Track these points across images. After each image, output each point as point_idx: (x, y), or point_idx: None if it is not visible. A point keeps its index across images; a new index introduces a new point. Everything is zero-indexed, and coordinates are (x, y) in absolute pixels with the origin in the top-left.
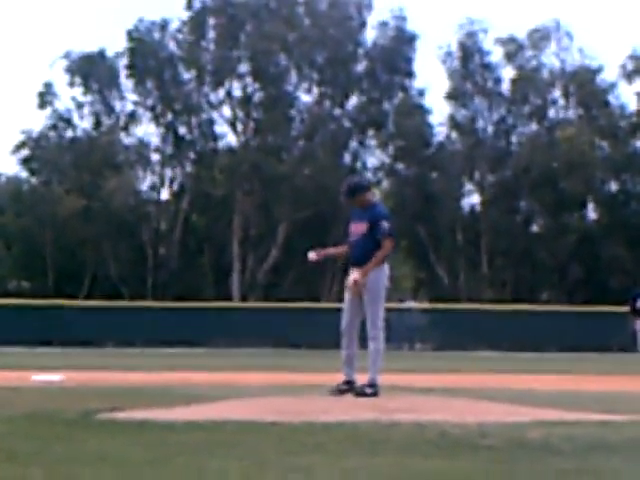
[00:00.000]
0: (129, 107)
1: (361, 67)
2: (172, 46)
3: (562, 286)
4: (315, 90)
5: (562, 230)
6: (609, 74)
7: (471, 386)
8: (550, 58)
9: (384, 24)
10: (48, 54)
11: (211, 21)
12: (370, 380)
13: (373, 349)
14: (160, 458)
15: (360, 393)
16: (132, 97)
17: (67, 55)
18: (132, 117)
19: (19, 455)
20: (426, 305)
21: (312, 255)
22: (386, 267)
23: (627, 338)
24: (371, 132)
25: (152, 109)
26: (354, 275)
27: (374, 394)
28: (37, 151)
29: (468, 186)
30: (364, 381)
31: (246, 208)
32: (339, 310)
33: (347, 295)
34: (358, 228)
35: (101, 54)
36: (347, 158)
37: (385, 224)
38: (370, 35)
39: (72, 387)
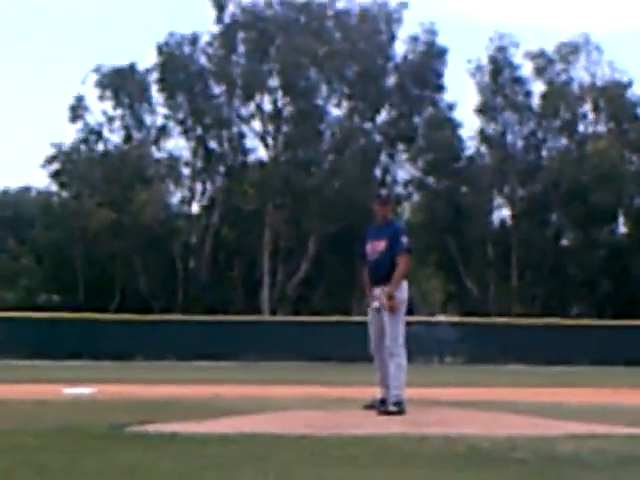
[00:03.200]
0: (159, 121)
1: (391, 81)
2: (202, 60)
3: (592, 300)
4: (345, 104)
5: (592, 244)
6: (639, 88)
7: (501, 400)
8: (580, 72)
9: (414, 38)
10: (79, 68)
11: (241, 35)
12: (394, 397)
13: (395, 366)
14: (190, 471)
15: (384, 412)
16: (162, 111)
17: (98, 69)
18: (162, 131)
19: (50, 468)
20: (456, 318)
21: (376, 304)
22: (404, 283)
23: None
24: (401, 146)
25: (182, 123)
26: (386, 291)
27: (400, 412)
28: (68, 165)
29: (498, 200)
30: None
31: (276, 222)
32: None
33: (370, 316)
34: (377, 246)
35: (132, 68)
36: (377, 172)
37: (404, 240)
38: (400, 49)
39: (103, 400)
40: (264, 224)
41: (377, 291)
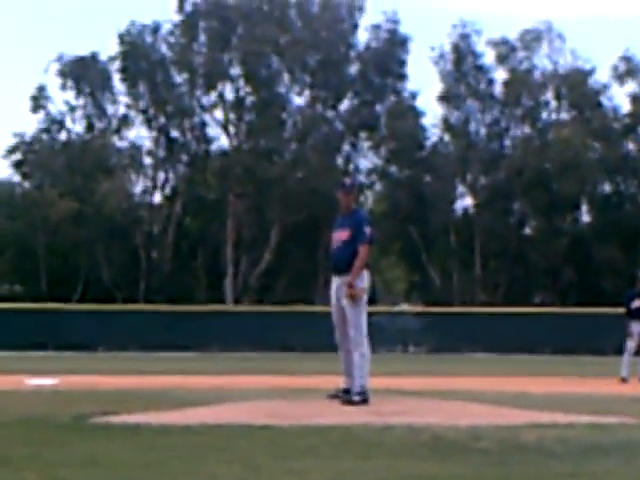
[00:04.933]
0: (121, 110)
1: (353, 69)
2: (164, 49)
3: (555, 288)
4: (307, 93)
5: (555, 232)
6: (601, 75)
7: (464, 389)
8: (542, 60)
9: (377, 27)
10: (41, 57)
11: (203, 24)
12: (358, 387)
13: (358, 355)
14: (153, 462)
15: (348, 401)
16: (124, 100)
17: (59, 58)
18: (124, 120)
19: (13, 459)
20: (419, 308)
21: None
22: (365, 272)
23: (620, 340)
24: (364, 134)
25: (144, 112)
26: (347, 281)
27: (363, 401)
28: (30, 155)
29: (461, 188)
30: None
31: (239, 211)
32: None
33: (332, 307)
34: (340, 236)
35: (93, 57)
36: (340, 161)
37: (367, 230)
38: (362, 37)
39: (65, 391)
40: (227, 214)
41: (337, 280)
